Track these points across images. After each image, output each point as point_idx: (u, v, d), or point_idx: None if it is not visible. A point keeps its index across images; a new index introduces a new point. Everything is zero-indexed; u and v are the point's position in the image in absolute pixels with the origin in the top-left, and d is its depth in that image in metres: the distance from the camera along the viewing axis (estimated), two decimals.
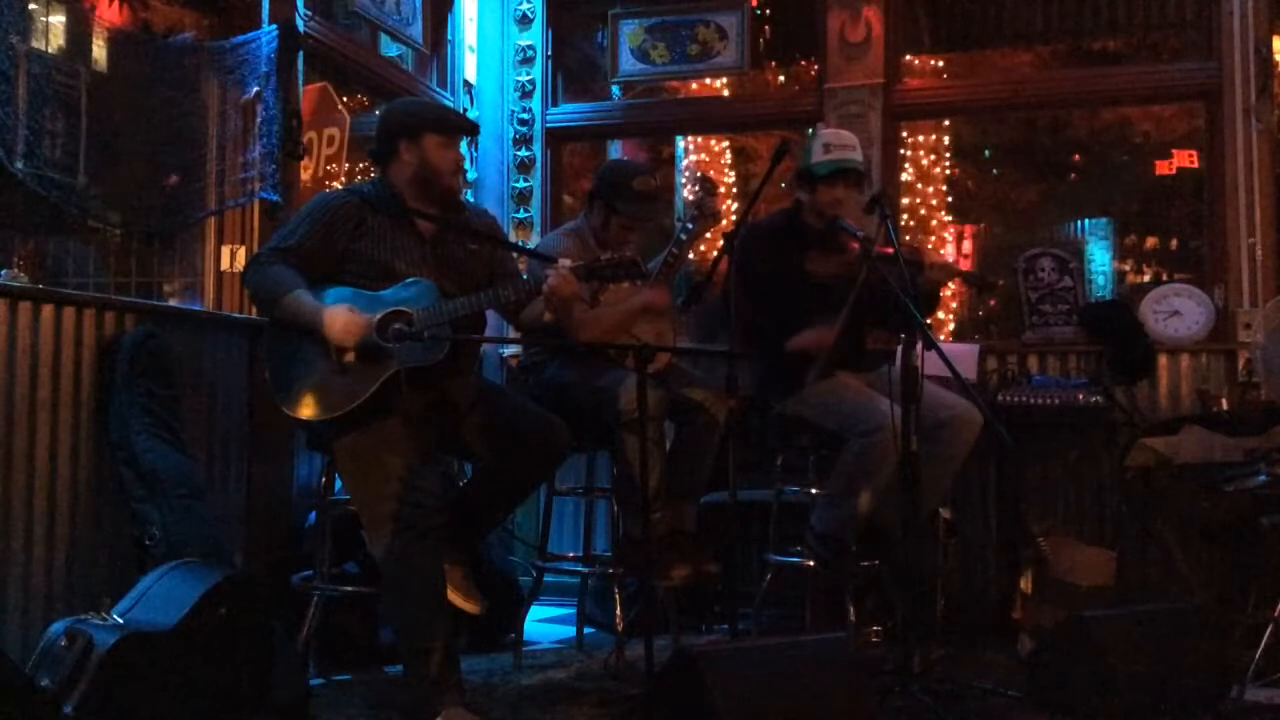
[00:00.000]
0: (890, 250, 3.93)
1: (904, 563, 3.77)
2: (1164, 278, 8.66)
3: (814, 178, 3.97)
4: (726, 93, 6.11)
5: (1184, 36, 5.46)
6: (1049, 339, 4.76)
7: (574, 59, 5.64)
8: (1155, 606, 3.46)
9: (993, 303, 8.03)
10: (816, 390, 3.90)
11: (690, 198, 7.30)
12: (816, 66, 5.25)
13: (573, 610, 4.42)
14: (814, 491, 4.04)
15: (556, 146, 5.51)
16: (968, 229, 8.26)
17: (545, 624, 4.65)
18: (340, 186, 7.09)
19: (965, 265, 7.77)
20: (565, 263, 3.24)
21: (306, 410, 3.08)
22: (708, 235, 5.48)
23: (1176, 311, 4.66)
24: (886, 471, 3.75)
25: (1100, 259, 8.79)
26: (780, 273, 3.96)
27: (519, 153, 5.42)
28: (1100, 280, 8.74)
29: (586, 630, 4.29)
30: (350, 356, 3.06)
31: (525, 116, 5.42)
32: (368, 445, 3.10)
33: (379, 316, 3.10)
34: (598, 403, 3.65)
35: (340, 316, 3.03)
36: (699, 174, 6.61)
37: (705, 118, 5.73)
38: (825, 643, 2.88)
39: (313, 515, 3.65)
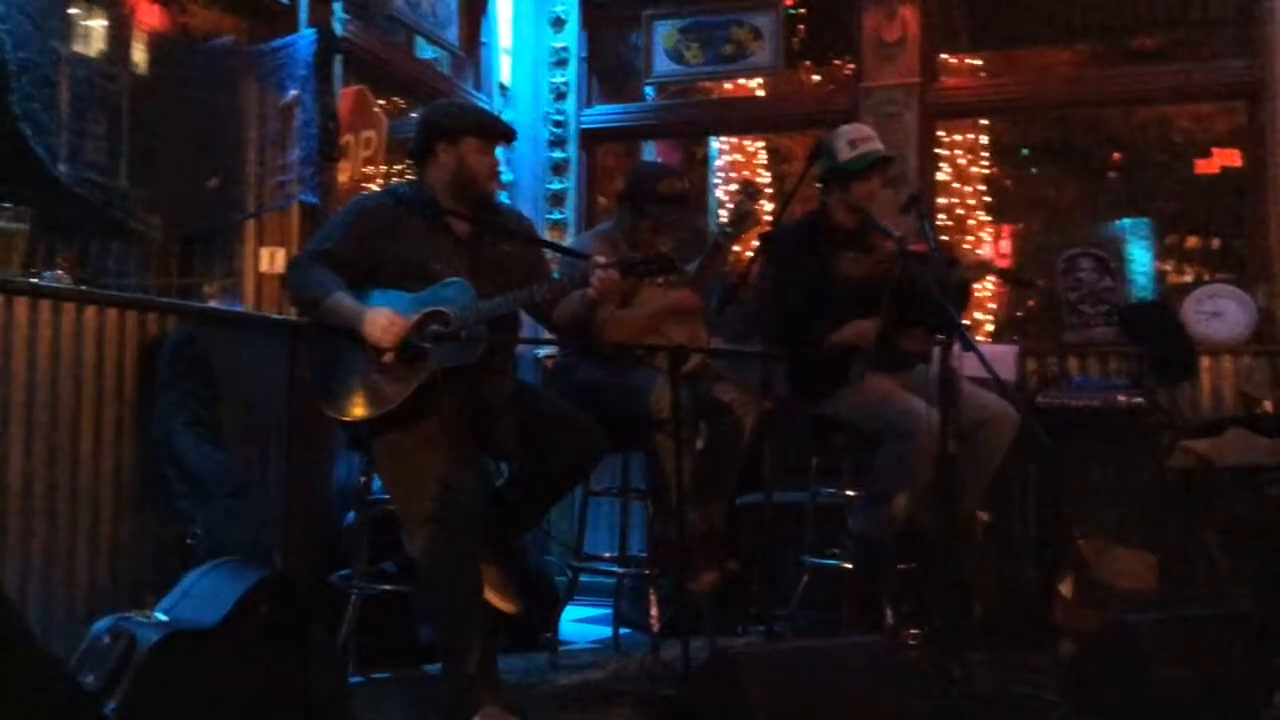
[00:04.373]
0: (924, 248, 3.93)
1: (942, 566, 3.76)
2: (1205, 278, 8.56)
3: (846, 175, 3.95)
4: (761, 92, 6.10)
5: (1224, 34, 5.39)
6: (1089, 340, 4.72)
7: (608, 60, 5.64)
8: (1198, 611, 3.41)
9: (1031, 303, 7.96)
10: (851, 392, 3.88)
11: (726, 198, 7.30)
12: (851, 66, 5.22)
13: (608, 610, 4.42)
14: (850, 493, 4.02)
15: (591, 148, 5.52)
16: (1005, 228, 8.19)
17: (581, 624, 4.65)
18: (378, 188, 7.17)
19: (1004, 265, 7.72)
20: (599, 259, 3.24)
21: (346, 411, 3.11)
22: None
23: (1218, 312, 4.61)
24: (924, 474, 3.73)
25: (1141, 259, 8.71)
26: (813, 273, 3.95)
27: (553, 154, 5.44)
28: (1141, 280, 8.66)
29: (622, 630, 4.29)
30: (389, 357, 3.08)
31: (560, 118, 5.43)
32: (406, 445, 3.12)
33: (416, 317, 3.12)
34: (628, 403, 3.65)
35: (381, 317, 3.06)
36: (741, 178, 6.58)
37: (739, 118, 5.72)
38: (864, 646, 2.86)
39: (351, 514, 3.67)
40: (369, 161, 6.42)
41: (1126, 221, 8.61)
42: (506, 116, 5.33)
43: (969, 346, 3.39)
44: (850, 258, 3.97)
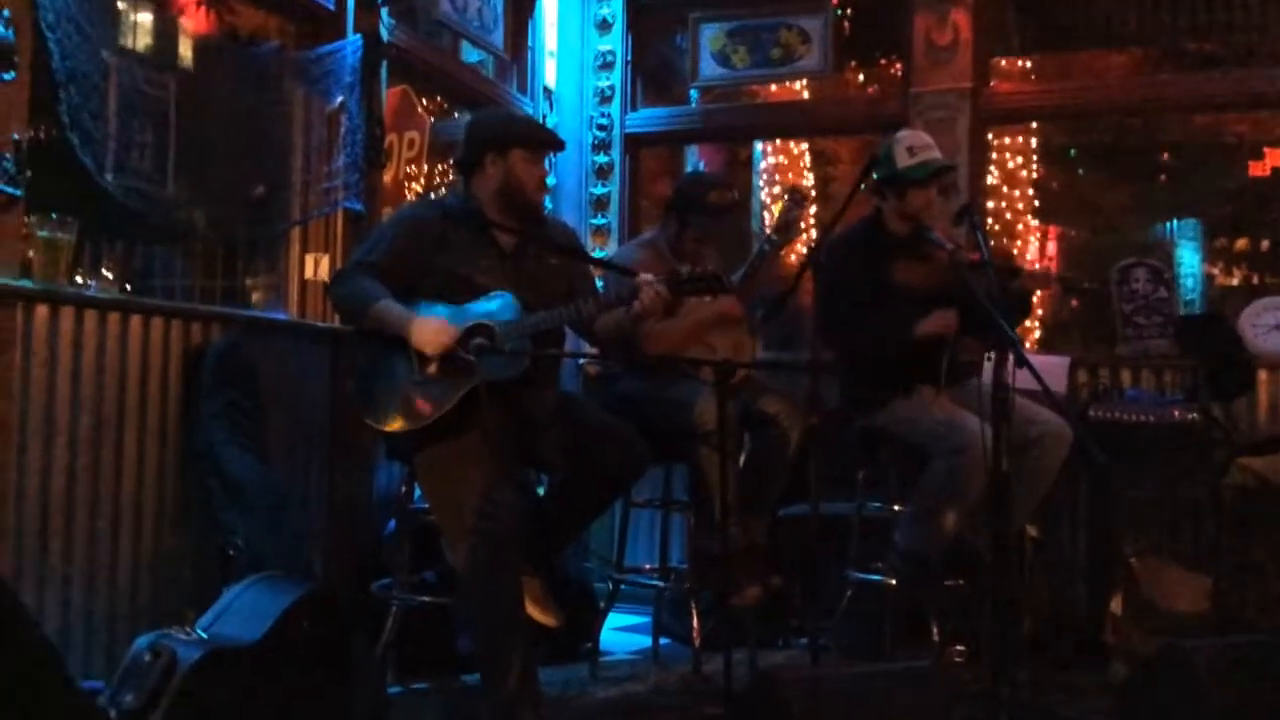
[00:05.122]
0: (978, 257, 3.85)
1: (990, 584, 3.69)
2: (1255, 280, 8.41)
3: (904, 182, 3.89)
4: (806, 94, 6.02)
5: None
6: (1143, 352, 4.61)
7: (653, 64, 5.59)
8: (1255, 637, 3.32)
9: (1075, 302, 7.84)
10: (903, 405, 3.82)
11: (769, 200, 7.24)
12: (901, 69, 5.14)
13: (648, 619, 4.38)
14: (897, 508, 3.96)
15: (635, 152, 5.47)
16: (1052, 230, 8.07)
17: (621, 633, 4.61)
18: (420, 189, 7.17)
19: (1051, 267, 7.61)
20: (647, 277, 3.20)
21: (388, 422, 3.10)
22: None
23: (1277, 326, 4.49)
24: (974, 491, 3.67)
25: (1189, 261, 8.56)
26: (870, 281, 3.88)
27: (597, 158, 5.40)
28: (1189, 283, 8.51)
29: (662, 641, 4.25)
30: (434, 368, 3.06)
31: (604, 122, 5.39)
32: (448, 458, 3.10)
33: (461, 330, 3.10)
34: (672, 416, 3.61)
35: (430, 324, 3.04)
36: (787, 184, 6.52)
37: (786, 122, 5.66)
38: (911, 672, 2.81)
39: (392, 523, 3.66)
40: (412, 162, 6.42)
41: (1174, 223, 8.49)
42: (551, 120, 5.31)
43: (1023, 362, 3.31)
44: (905, 266, 3.91)
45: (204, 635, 2.36)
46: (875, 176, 3.97)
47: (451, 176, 3.52)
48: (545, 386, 3.29)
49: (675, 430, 3.60)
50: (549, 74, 5.32)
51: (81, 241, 2.90)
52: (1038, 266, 7.20)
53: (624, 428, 3.36)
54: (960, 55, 4.88)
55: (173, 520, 3.12)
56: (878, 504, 4.03)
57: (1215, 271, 8.53)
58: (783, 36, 5.14)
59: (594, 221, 5.38)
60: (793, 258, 6.10)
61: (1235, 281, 8.51)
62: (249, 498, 3.06)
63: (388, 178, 5.99)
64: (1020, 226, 7.15)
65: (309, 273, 3.76)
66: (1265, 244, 8.32)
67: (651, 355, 3.64)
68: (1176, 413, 4.25)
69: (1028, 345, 5.74)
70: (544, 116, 5.23)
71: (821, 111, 5.48)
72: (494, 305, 3.17)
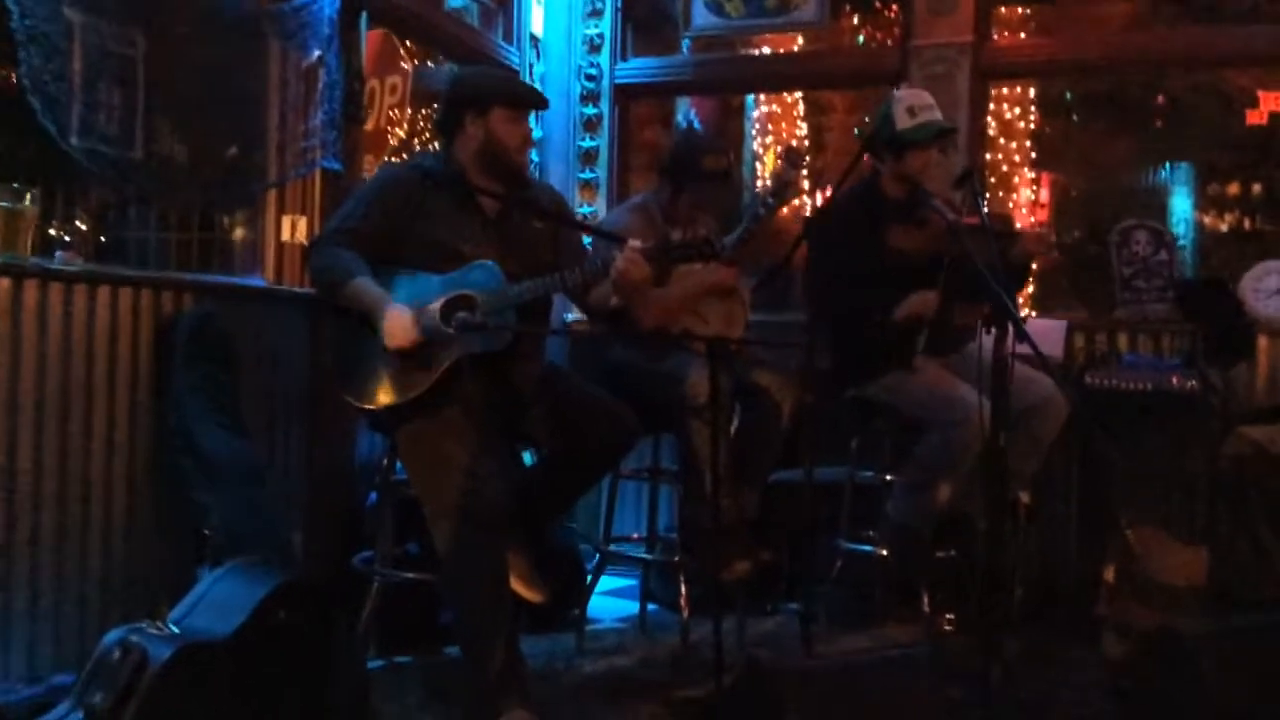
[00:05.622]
0: (977, 222, 3.74)
1: (983, 555, 3.64)
2: (1246, 225, 8.33)
3: (902, 144, 3.77)
4: (801, 43, 5.83)
5: None
6: (1142, 316, 4.53)
7: (644, 10, 5.40)
8: (1254, 619, 3.27)
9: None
10: (898, 375, 3.74)
11: (761, 150, 7.10)
12: (901, 21, 4.97)
13: (636, 581, 4.32)
14: (889, 478, 3.90)
15: (625, 103, 5.31)
16: (1044, 177, 7.95)
17: (608, 597, 4.55)
18: (402, 135, 6.99)
19: (1043, 215, 7.50)
20: (635, 243, 3.09)
21: (367, 397, 3.00)
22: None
23: (1278, 291, 4.40)
24: (968, 463, 3.61)
25: (1182, 207, 8.48)
26: (862, 249, 3.78)
27: (586, 110, 5.24)
28: (1181, 229, 8.44)
29: (650, 607, 4.19)
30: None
31: (593, 72, 5.22)
32: (430, 433, 3.01)
33: (442, 301, 2.99)
34: (662, 387, 3.52)
35: (398, 322, 2.90)
36: (783, 144, 6.37)
37: (781, 75, 5.49)
38: (904, 660, 2.75)
39: (374, 495, 3.57)
40: (395, 108, 6.25)
41: (1168, 168, 8.39)
42: (538, 70, 5.15)
43: (1023, 335, 3.22)
44: (901, 231, 3.81)
45: (176, 630, 2.28)
46: (878, 135, 3.86)
47: (434, 116, 3.39)
48: (530, 359, 3.19)
49: (666, 402, 3.51)
50: (536, 21, 5.14)
51: (47, 211, 2.76)
52: (1033, 220, 7.12)
53: (612, 401, 3.26)
54: (962, 7, 4.72)
55: (145, 501, 3.02)
56: (870, 473, 3.96)
57: (1207, 219, 8.45)
58: None
59: (582, 176, 5.24)
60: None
61: (1225, 228, 8.45)
62: (224, 476, 2.97)
63: (369, 125, 5.83)
64: (1016, 179, 7.03)
65: (286, 234, 3.63)
66: (1257, 188, 8.23)
67: (644, 328, 3.53)
68: (1175, 380, 4.17)
69: (1023, 304, 5.63)
70: (530, 66, 5.06)
71: (818, 64, 5.31)
72: (476, 275, 3.05)
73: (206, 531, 2.88)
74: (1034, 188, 7.39)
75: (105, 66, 2.95)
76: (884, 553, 3.83)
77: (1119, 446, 4.20)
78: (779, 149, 6.11)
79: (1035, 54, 4.98)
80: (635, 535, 4.18)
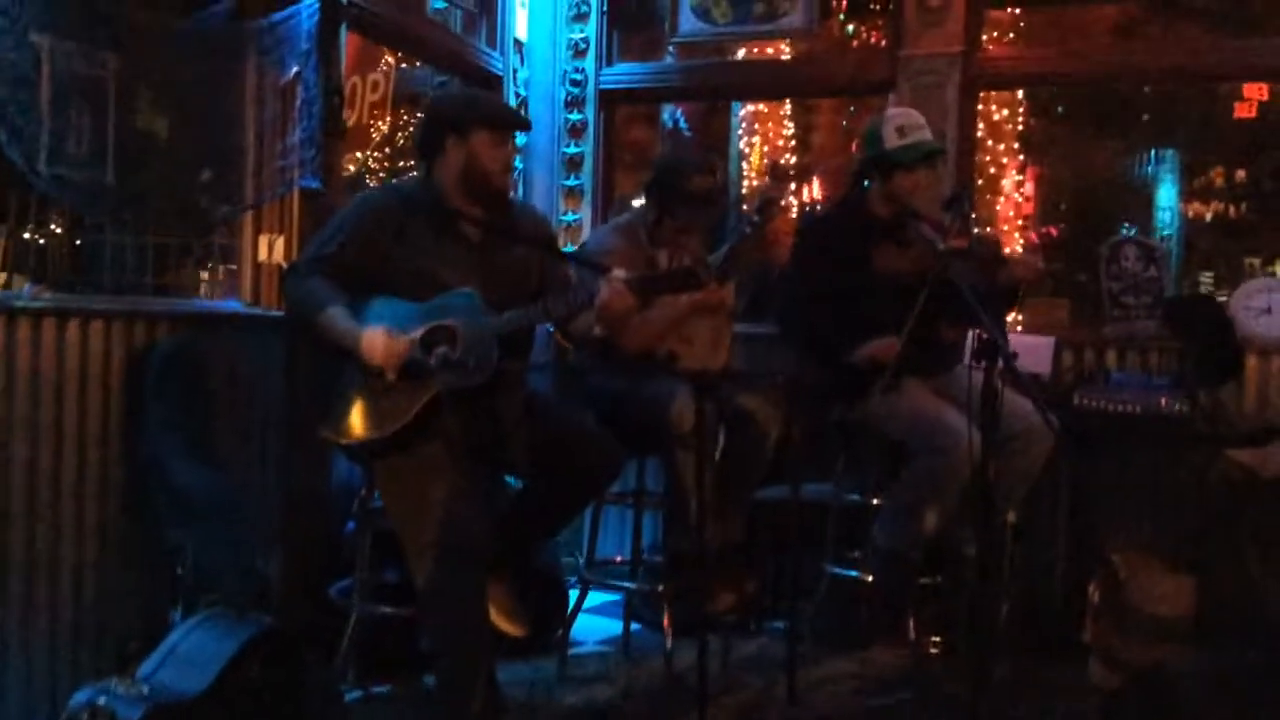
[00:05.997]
0: (965, 244, 3.70)
1: (969, 581, 3.62)
2: (1232, 213, 8.32)
3: (891, 164, 3.72)
4: (788, 49, 5.74)
5: None
6: (1130, 333, 4.48)
7: (631, 14, 5.31)
8: (1241, 657, 3.25)
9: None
10: (883, 401, 3.68)
11: (747, 149, 7.02)
12: (889, 30, 4.90)
13: (620, 596, 4.26)
14: (876, 502, 3.86)
15: (611, 109, 5.22)
16: (1030, 171, 7.90)
17: (592, 615, 4.49)
18: (384, 129, 6.89)
19: (1027, 208, 7.45)
20: (619, 273, 3.03)
21: (344, 433, 2.94)
22: None
23: (1268, 309, 4.36)
24: (956, 491, 3.57)
25: (1167, 195, 8.45)
26: (847, 271, 3.72)
27: (570, 116, 5.15)
28: (1166, 217, 8.42)
29: (634, 627, 4.14)
30: (391, 376, 2.89)
31: (578, 77, 5.13)
32: (409, 469, 2.95)
33: (422, 332, 2.93)
34: (646, 414, 3.46)
35: (379, 341, 2.86)
36: (769, 161, 6.29)
37: (769, 83, 5.40)
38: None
39: (352, 523, 3.51)
40: (376, 106, 6.16)
41: (1154, 153, 8.35)
42: (521, 75, 5.06)
43: (1011, 370, 3.18)
44: (888, 251, 3.76)
45: (145, 689, 2.21)
46: (866, 154, 3.81)
47: (414, 124, 3.33)
48: (512, 389, 3.13)
49: (650, 429, 3.46)
50: (520, 25, 5.05)
51: (13, 245, 2.68)
52: (1020, 221, 7.08)
53: (596, 430, 3.22)
54: (952, 17, 4.65)
55: (117, 540, 2.94)
56: (856, 495, 3.92)
57: (1193, 210, 8.43)
58: None
59: (566, 183, 5.16)
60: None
61: (1209, 216, 8.44)
62: (197, 511, 2.90)
63: (351, 121, 5.74)
64: (1001, 175, 6.98)
65: (263, 255, 3.55)
66: (1241, 174, 8.21)
67: (627, 351, 3.47)
68: (1163, 401, 4.13)
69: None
70: (514, 71, 4.97)
71: (807, 73, 5.23)
72: (457, 303, 2.99)
73: (179, 570, 2.81)
74: (1019, 182, 7.35)
75: (75, 90, 2.87)
76: (870, 579, 3.79)
77: (1106, 464, 4.17)
78: (766, 163, 6.04)
79: (1025, 65, 4.91)
80: (619, 558, 4.13)
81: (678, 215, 3.66)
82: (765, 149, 6.99)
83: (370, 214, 3.09)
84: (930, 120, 4.43)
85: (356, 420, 2.93)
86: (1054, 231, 8.10)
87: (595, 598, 4.61)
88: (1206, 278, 8.53)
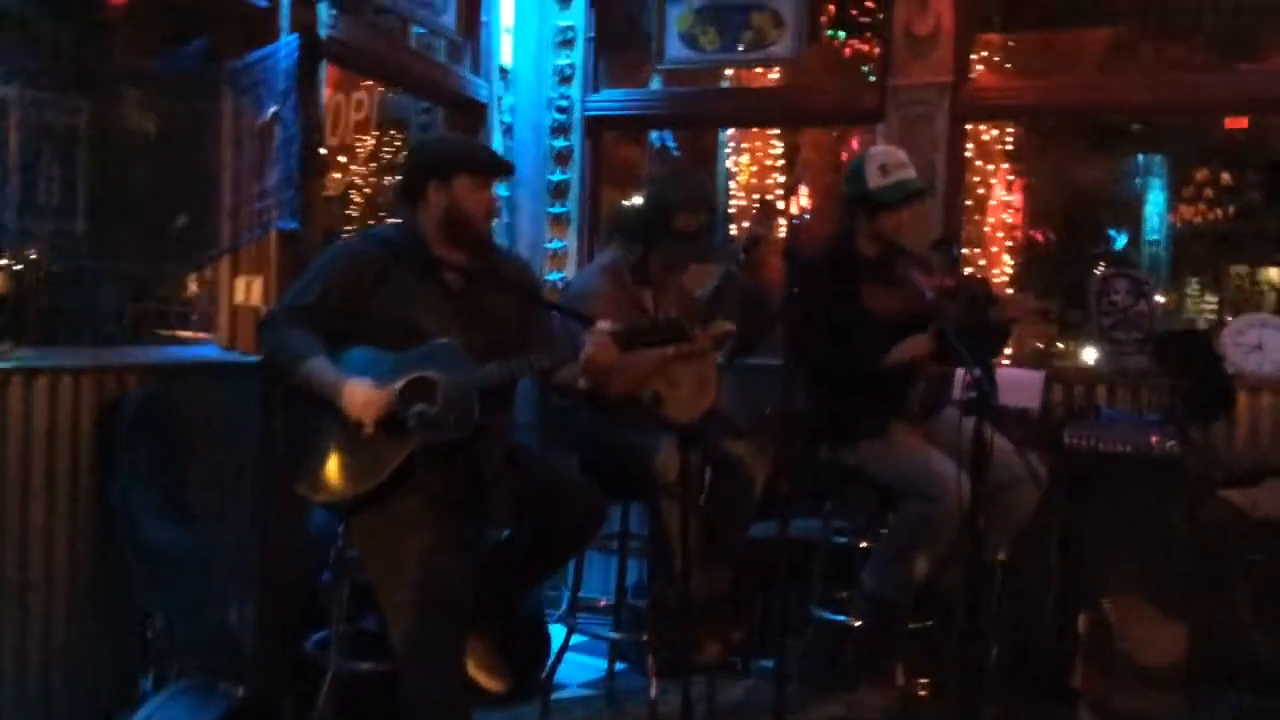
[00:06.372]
0: (953, 284, 3.66)
1: (958, 625, 3.58)
2: (1220, 216, 8.28)
3: (874, 204, 3.67)
4: (777, 74, 5.68)
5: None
6: (1120, 369, 4.44)
7: (618, 41, 5.25)
8: (1232, 706, 3.21)
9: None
10: (876, 443, 3.64)
11: (735, 168, 6.96)
12: (879, 59, 4.85)
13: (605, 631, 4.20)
14: (865, 545, 3.81)
15: (597, 135, 5.16)
16: (1017, 182, 7.84)
17: (576, 653, 4.43)
18: (368, 149, 6.80)
19: (1017, 218, 7.39)
20: (604, 325, 2.97)
21: (320, 489, 2.88)
22: None
23: (1259, 345, 4.32)
24: (946, 539, 3.52)
25: (1155, 201, 8.42)
26: (842, 306, 3.67)
27: (556, 143, 5.09)
28: (1155, 222, 8.39)
29: (619, 666, 4.08)
30: (368, 430, 2.83)
31: (564, 104, 5.07)
32: (386, 525, 2.90)
33: (401, 384, 2.87)
34: (631, 462, 3.41)
35: (360, 392, 2.81)
36: (758, 200, 6.22)
37: (756, 111, 5.34)
38: None
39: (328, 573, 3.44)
40: (360, 127, 6.09)
41: (1141, 162, 8.31)
42: (507, 101, 4.99)
43: (994, 418, 3.13)
44: (876, 292, 3.71)
45: None
46: (850, 190, 3.76)
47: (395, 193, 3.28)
48: (493, 441, 3.07)
49: (634, 476, 3.40)
50: (505, 52, 4.98)
51: None
52: (1009, 220, 7.00)
53: (579, 481, 3.17)
54: (941, 46, 4.59)
55: (87, 603, 2.86)
56: (844, 539, 3.88)
57: (1182, 219, 8.39)
58: (755, 18, 4.83)
59: (552, 210, 5.10)
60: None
61: (1198, 223, 8.41)
62: (169, 570, 2.83)
63: (333, 141, 5.67)
64: (994, 202, 6.92)
65: (240, 297, 3.49)
66: (1227, 178, 8.17)
67: (611, 396, 3.41)
68: (1154, 440, 4.08)
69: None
70: (499, 99, 4.91)
71: (795, 101, 5.17)
72: (438, 354, 2.93)
73: (150, 635, 2.74)
74: (1009, 190, 7.29)
75: (45, 139, 2.80)
76: (858, 624, 3.74)
77: (1096, 504, 4.12)
78: (754, 207, 5.96)
79: (1016, 96, 4.85)
80: (603, 601, 4.07)
81: (663, 253, 3.60)
82: (754, 168, 6.95)
83: (349, 262, 3.03)
84: (920, 150, 4.41)
85: (332, 475, 2.87)
86: (1041, 237, 8.06)
87: (580, 634, 4.55)
88: (1194, 286, 8.55)
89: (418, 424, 2.76)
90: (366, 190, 6.93)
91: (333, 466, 2.87)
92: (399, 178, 3.23)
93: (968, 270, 5.60)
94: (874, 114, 4.73)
